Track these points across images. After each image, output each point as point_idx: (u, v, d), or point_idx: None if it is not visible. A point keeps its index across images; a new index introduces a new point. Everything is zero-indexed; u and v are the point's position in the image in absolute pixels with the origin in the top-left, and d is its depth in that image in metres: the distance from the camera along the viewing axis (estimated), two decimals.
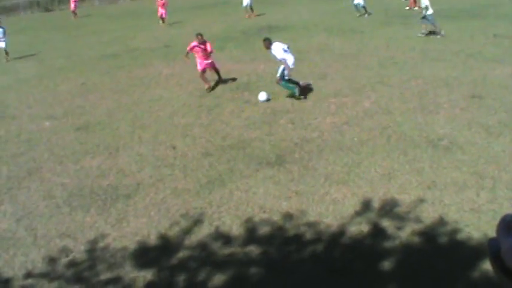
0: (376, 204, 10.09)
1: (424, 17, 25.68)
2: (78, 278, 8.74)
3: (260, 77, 20.18)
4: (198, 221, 10.08)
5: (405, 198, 10.16)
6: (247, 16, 38.23)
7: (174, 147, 13.83)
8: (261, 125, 14.89)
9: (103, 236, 9.88)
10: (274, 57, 17.03)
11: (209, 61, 19.24)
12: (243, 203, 10.60)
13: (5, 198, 12.06)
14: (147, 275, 8.56)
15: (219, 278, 8.32)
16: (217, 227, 9.80)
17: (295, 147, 13.14)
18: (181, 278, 8.45)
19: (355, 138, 13.32)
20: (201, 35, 19.06)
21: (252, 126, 14.87)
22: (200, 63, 19.14)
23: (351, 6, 33.38)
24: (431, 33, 25.47)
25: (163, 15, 38.61)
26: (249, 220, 9.95)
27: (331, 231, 9.36)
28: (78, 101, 19.69)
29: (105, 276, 8.71)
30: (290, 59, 17.08)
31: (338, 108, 15.77)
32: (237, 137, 14.22)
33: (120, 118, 16.87)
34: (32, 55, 32.15)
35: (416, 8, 33.04)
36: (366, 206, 10.06)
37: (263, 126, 14.82)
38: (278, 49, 17.18)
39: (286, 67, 16.88)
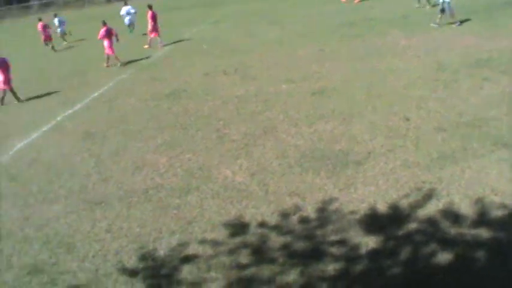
0: None
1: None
2: (305, 236, 9.01)
3: (502, 54, 18.95)
4: (426, 196, 9.81)
5: None
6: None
7: (407, 119, 13.57)
8: (499, 104, 13.98)
9: (331, 198, 10.07)
10: None
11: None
12: (474, 183, 10.09)
13: (242, 153, 12.80)
14: (371, 242, 8.55)
15: (442, 256, 8.06)
16: (445, 204, 9.45)
17: None
18: (404, 250, 8.32)
19: None
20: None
21: (489, 105, 14.04)
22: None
23: None
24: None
25: None
26: (479, 201, 9.44)
27: None
28: (315, 66, 20.12)
29: (330, 237, 8.88)
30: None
31: None
32: (473, 114, 13.51)
33: (355, 86, 16.94)
34: (275, 21, 33.38)
35: None
36: None
37: (501, 105, 13.89)
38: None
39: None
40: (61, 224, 10.78)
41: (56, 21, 40.50)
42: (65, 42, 40.21)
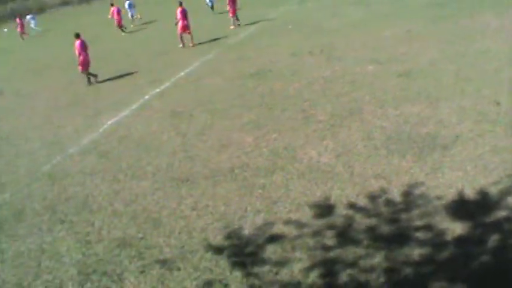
0: None
1: None
2: (390, 219, 8.96)
3: None
4: None
5: None
6: None
7: (498, 103, 13.13)
8: None
9: (417, 182, 9.93)
10: None
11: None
12: None
13: (327, 134, 12.81)
14: (457, 228, 8.40)
15: None
16: None
17: None
18: (492, 238, 8.12)
19: None
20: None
21: None
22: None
23: None
24: None
25: None
26: None
27: None
28: (402, 47, 19.78)
29: (415, 221, 8.79)
30: None
31: None
32: None
33: (443, 68, 16.53)
34: (360, 0, 32.94)
35: None
36: None
37: None
38: None
39: None
40: (148, 200, 11.15)
41: (126, 4, 42.62)
42: (131, 26, 42.25)
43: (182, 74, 21.83)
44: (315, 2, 35.96)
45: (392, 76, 16.46)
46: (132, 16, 43.14)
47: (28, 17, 54.47)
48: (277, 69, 19.72)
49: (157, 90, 20.02)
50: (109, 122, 17.02)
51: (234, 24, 31.29)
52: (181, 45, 28.47)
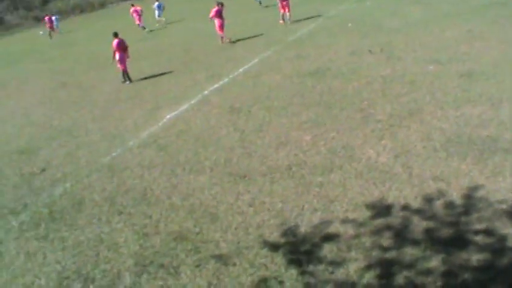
0: None
1: None
2: (448, 222, 8.85)
3: None
4: None
5: None
6: None
7: None
8: None
9: (477, 186, 9.77)
10: None
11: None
12: None
13: (386, 134, 12.71)
14: None
15: None
16: None
17: None
18: None
19: None
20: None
21: None
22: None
23: None
24: None
25: None
26: None
27: None
28: (463, 48, 19.42)
29: (474, 225, 8.64)
30: None
31: None
32: None
33: (506, 69, 16.12)
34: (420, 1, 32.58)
35: None
36: None
37: None
38: None
39: None
40: (206, 195, 11.31)
41: (155, 5, 45.26)
42: (156, 25, 45.50)
43: (241, 70, 22.00)
44: (374, 0, 35.64)
45: (454, 77, 16.17)
46: (158, 16, 45.68)
47: (53, 17, 57.90)
48: (336, 67, 19.64)
49: (216, 85, 20.24)
50: (168, 116, 17.30)
51: (282, 19, 31.88)
52: (228, 41, 29.54)
